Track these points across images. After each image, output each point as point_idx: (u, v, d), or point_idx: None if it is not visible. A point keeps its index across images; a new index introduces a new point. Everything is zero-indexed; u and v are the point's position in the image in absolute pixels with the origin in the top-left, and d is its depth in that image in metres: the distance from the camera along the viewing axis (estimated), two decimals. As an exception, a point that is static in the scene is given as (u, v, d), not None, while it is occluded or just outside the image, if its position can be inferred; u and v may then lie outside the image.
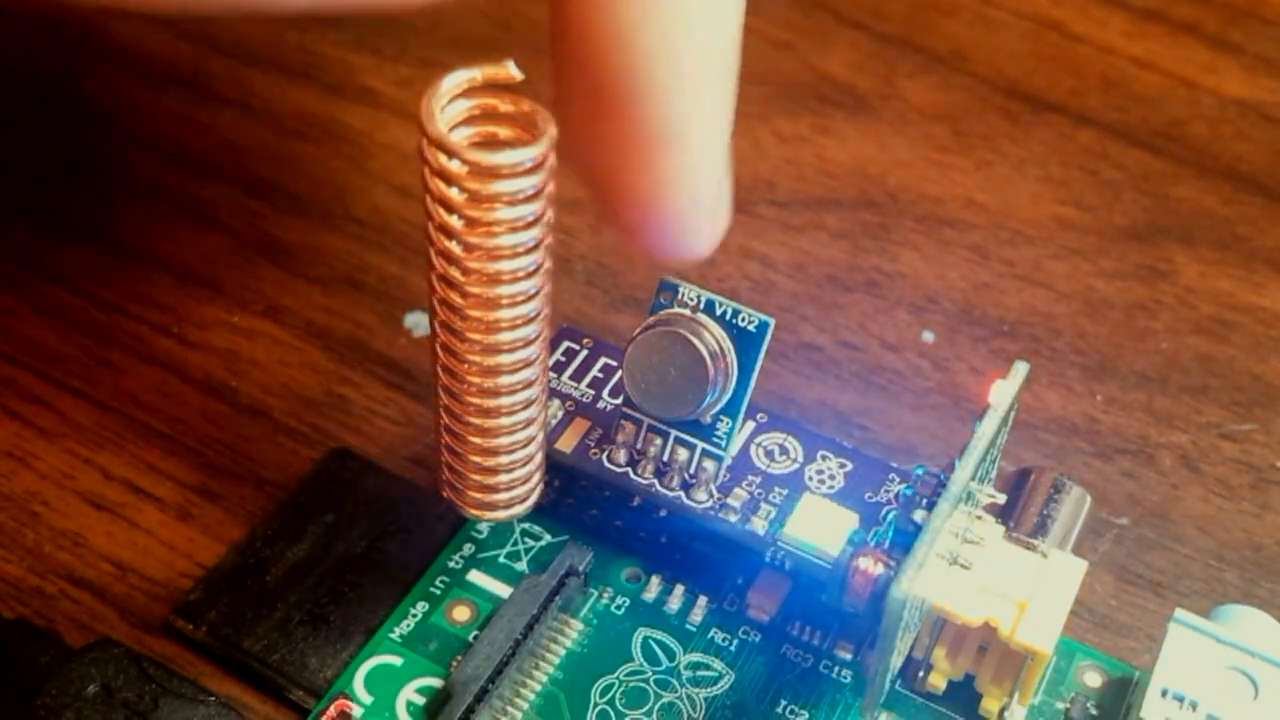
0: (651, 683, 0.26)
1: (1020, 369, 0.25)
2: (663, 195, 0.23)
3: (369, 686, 0.25)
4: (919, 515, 0.24)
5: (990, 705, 0.25)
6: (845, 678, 0.26)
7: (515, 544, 0.28)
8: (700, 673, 0.26)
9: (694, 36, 0.22)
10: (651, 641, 0.26)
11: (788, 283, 0.34)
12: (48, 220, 0.34)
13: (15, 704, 0.24)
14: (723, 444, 0.26)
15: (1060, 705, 0.26)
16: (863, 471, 0.27)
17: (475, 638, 0.26)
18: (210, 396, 0.31)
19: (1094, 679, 0.26)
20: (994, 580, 0.24)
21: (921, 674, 0.25)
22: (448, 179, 0.20)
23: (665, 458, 0.26)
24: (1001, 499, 0.26)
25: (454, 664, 0.25)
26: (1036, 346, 0.33)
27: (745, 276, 0.34)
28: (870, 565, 0.24)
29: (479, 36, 0.39)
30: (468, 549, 0.27)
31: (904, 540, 0.24)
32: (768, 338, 0.25)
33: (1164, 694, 0.23)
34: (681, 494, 0.26)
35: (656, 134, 0.22)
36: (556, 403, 0.27)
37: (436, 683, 0.25)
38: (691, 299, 0.25)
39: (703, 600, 0.27)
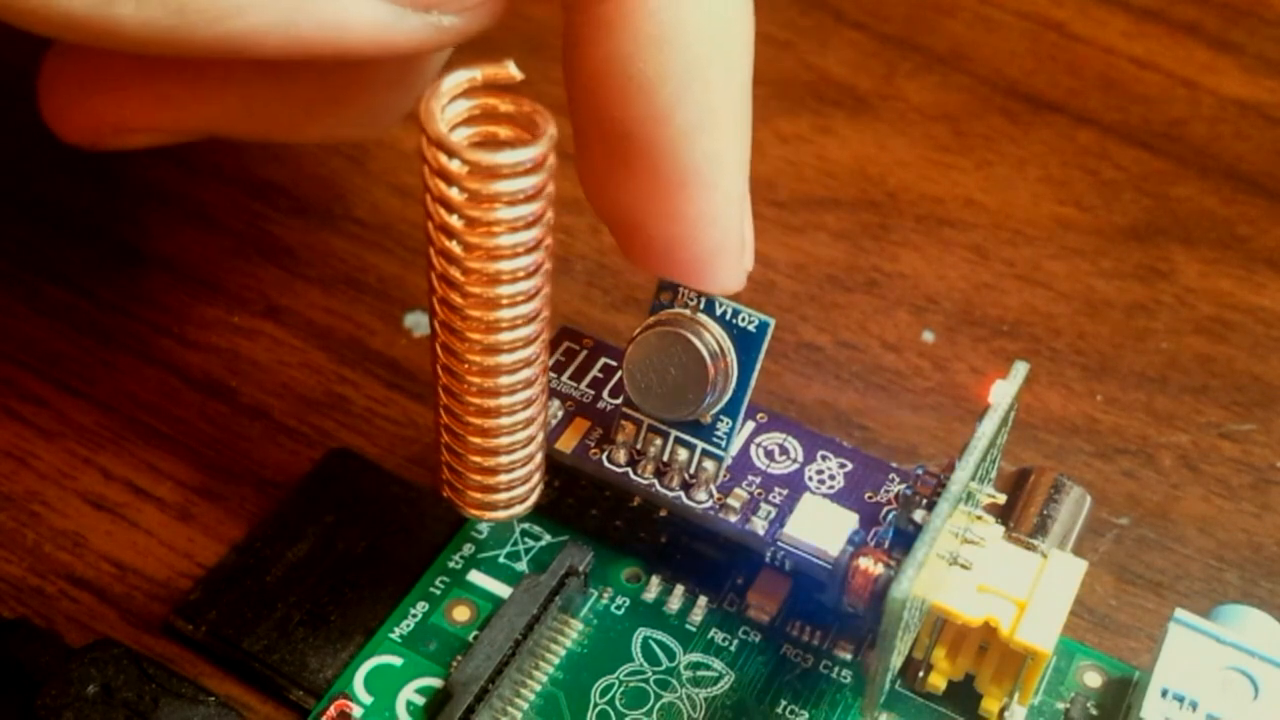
0: (651, 683, 0.26)
1: (1020, 369, 0.25)
2: (690, 238, 0.23)
3: (369, 686, 0.25)
4: (919, 515, 0.24)
5: (990, 705, 0.25)
6: (845, 678, 0.26)
7: (515, 544, 0.28)
8: (700, 673, 0.26)
9: (714, 82, 0.22)
10: (651, 641, 0.26)
11: (788, 283, 0.34)
12: (48, 220, 0.34)
13: (15, 704, 0.24)
14: (723, 444, 0.26)
15: (1060, 705, 0.26)
16: (863, 471, 0.27)
17: (475, 638, 0.26)
18: (210, 396, 0.31)
19: (1094, 679, 0.26)
20: (994, 580, 0.24)
21: (921, 674, 0.25)
22: (448, 179, 0.20)
23: (665, 458, 0.26)
24: (1001, 499, 0.26)
25: (454, 664, 0.25)
26: (1036, 346, 0.33)
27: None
28: (870, 565, 0.24)
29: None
30: (468, 549, 0.27)
31: (904, 540, 0.24)
32: (768, 338, 0.25)
33: (1164, 694, 0.23)
34: (681, 494, 0.26)
35: (681, 178, 0.23)
36: (556, 403, 0.27)
37: (436, 683, 0.25)
38: (691, 299, 0.25)
39: (703, 600, 0.27)
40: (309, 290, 0.33)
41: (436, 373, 0.23)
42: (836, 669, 0.26)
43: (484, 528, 0.28)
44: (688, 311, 0.25)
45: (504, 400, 0.23)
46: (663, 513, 0.26)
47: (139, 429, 0.30)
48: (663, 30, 0.22)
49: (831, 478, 0.27)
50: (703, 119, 0.22)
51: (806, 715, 0.25)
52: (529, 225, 0.21)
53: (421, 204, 0.21)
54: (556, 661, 0.26)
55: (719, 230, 0.23)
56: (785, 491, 0.26)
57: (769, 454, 0.27)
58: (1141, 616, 0.28)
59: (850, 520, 0.26)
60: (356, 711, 0.25)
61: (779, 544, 0.25)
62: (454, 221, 0.21)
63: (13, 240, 0.33)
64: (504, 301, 0.22)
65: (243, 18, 0.21)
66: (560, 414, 0.27)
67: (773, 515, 0.26)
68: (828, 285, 0.34)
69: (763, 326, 0.25)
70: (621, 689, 0.26)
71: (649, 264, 0.24)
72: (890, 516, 0.26)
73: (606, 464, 0.26)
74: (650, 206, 0.23)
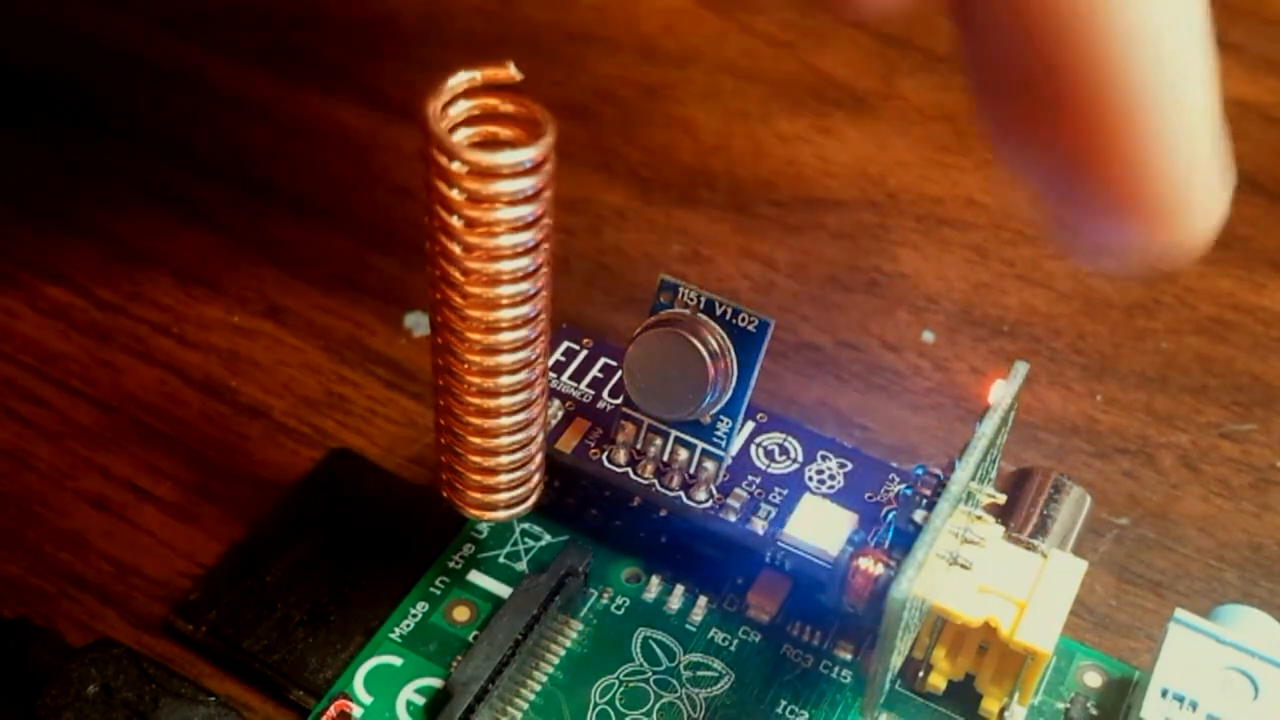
0: (651, 683, 0.26)
1: (1020, 369, 0.25)
2: (1152, 157, 0.19)
3: (369, 686, 0.25)
4: (919, 515, 0.24)
5: (990, 705, 0.25)
6: (845, 678, 0.26)
7: (515, 544, 0.28)
8: (700, 673, 0.26)
9: None
10: (651, 641, 0.26)
11: (788, 283, 0.34)
12: (48, 220, 0.34)
13: (15, 704, 0.24)
14: (723, 444, 0.26)
15: (1060, 705, 0.26)
16: (863, 471, 0.27)
17: (475, 638, 0.26)
18: (210, 396, 0.31)
19: (1094, 679, 0.26)
20: (994, 580, 0.24)
21: (921, 674, 0.25)
22: (448, 179, 0.20)
23: (665, 458, 0.26)
24: (1001, 499, 0.26)
25: (454, 664, 0.25)
26: (1036, 346, 0.33)
27: (745, 276, 0.34)
28: (870, 565, 0.24)
29: (479, 36, 0.39)
30: (468, 549, 0.27)
31: (904, 540, 0.24)
32: (768, 338, 0.25)
33: (1164, 694, 0.23)
34: (681, 494, 0.26)
35: (1137, 89, 0.19)
36: (556, 403, 0.27)
37: (436, 683, 0.25)
38: (691, 299, 0.25)
39: (703, 600, 0.27)
40: (309, 290, 0.33)
41: (436, 373, 0.23)
42: (836, 669, 0.26)
43: (484, 528, 0.28)
44: (688, 311, 0.25)
45: (504, 400, 0.23)
46: (663, 513, 0.26)
47: (139, 429, 0.30)
48: None
49: (831, 478, 0.27)
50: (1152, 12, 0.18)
51: (806, 715, 0.25)
52: (529, 225, 0.21)
53: (422, 204, 0.21)
54: (556, 661, 0.26)
55: (1188, 144, 0.19)
56: (785, 491, 0.26)
57: (769, 454, 0.27)
58: (1141, 616, 0.28)
59: (850, 520, 0.26)
60: (356, 711, 0.25)
61: (779, 544, 0.25)
62: (454, 222, 0.21)
63: (13, 240, 0.33)
64: (504, 302, 0.22)
65: None
66: (560, 414, 0.27)
67: (773, 515, 0.26)
68: (828, 285, 0.34)
69: (763, 326, 0.25)
70: (621, 689, 0.26)
71: (1102, 219, 0.20)
72: (890, 516, 0.26)
73: (606, 464, 0.26)
74: (1099, 134, 0.19)
